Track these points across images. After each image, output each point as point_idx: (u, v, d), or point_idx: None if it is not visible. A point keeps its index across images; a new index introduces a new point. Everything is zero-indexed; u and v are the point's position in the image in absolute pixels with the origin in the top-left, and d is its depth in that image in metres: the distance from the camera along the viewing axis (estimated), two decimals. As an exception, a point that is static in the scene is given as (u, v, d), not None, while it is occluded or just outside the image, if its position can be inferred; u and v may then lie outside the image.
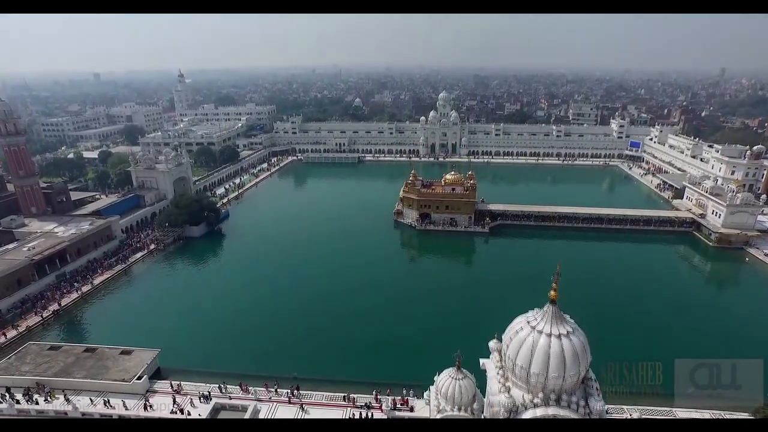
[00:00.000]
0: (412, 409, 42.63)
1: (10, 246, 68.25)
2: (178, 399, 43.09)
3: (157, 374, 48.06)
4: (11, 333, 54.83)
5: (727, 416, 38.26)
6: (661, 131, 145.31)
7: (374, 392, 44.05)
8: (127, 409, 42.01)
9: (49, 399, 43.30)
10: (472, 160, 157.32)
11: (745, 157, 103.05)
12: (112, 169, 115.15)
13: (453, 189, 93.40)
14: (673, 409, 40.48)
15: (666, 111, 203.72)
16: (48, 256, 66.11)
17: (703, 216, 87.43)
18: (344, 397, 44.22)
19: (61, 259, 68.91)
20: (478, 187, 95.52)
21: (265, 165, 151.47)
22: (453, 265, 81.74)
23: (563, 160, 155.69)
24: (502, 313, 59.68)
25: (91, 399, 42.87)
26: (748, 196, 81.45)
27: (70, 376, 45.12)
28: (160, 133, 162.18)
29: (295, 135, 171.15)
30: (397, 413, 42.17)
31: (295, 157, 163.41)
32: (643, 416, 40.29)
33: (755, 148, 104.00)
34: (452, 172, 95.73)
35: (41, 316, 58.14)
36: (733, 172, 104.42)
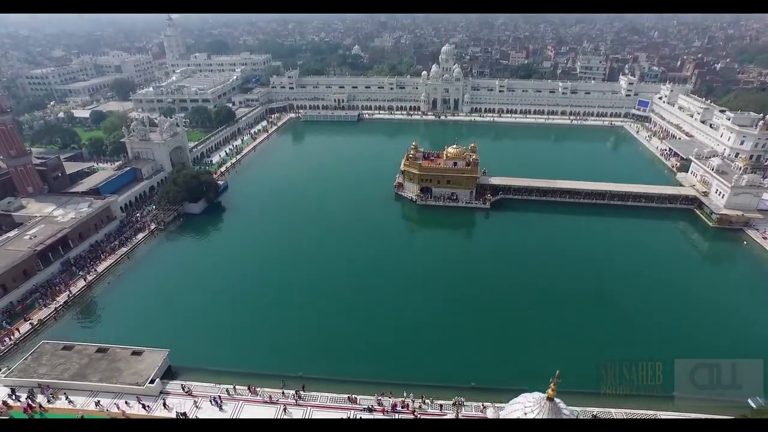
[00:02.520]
0: (413, 412, 45.22)
1: (11, 234, 68.15)
2: (189, 403, 45.57)
3: (168, 372, 50.12)
4: (24, 327, 56.27)
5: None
6: (671, 90, 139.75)
7: (376, 395, 46.42)
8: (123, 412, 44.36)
9: (51, 400, 45.65)
10: (475, 119, 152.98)
11: (756, 127, 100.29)
12: (106, 136, 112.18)
13: (455, 163, 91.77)
14: (658, 413, 42.91)
15: (679, 63, 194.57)
16: (50, 244, 66.34)
17: (706, 194, 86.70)
18: (348, 398, 46.68)
19: (63, 245, 69.18)
20: (480, 149, 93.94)
21: (263, 123, 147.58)
22: (456, 245, 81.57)
23: (572, 120, 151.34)
24: (506, 307, 61.18)
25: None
26: (755, 177, 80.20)
27: (85, 379, 47.17)
28: (152, 88, 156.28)
29: (293, 90, 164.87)
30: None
31: (293, 115, 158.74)
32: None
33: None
34: (454, 146, 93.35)
35: (54, 309, 59.36)
36: (742, 142, 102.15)
